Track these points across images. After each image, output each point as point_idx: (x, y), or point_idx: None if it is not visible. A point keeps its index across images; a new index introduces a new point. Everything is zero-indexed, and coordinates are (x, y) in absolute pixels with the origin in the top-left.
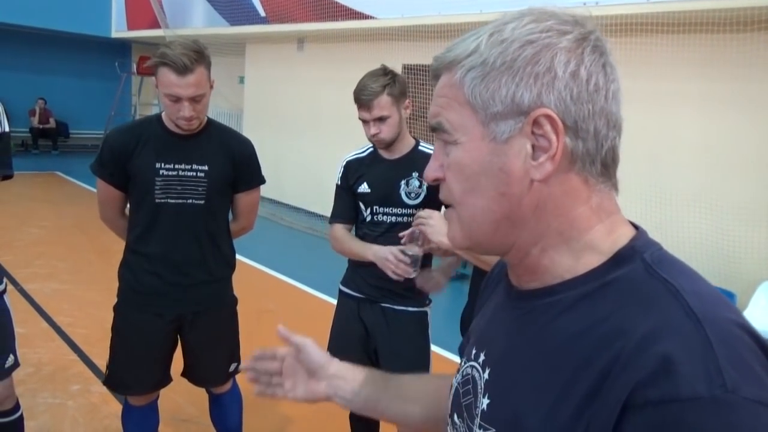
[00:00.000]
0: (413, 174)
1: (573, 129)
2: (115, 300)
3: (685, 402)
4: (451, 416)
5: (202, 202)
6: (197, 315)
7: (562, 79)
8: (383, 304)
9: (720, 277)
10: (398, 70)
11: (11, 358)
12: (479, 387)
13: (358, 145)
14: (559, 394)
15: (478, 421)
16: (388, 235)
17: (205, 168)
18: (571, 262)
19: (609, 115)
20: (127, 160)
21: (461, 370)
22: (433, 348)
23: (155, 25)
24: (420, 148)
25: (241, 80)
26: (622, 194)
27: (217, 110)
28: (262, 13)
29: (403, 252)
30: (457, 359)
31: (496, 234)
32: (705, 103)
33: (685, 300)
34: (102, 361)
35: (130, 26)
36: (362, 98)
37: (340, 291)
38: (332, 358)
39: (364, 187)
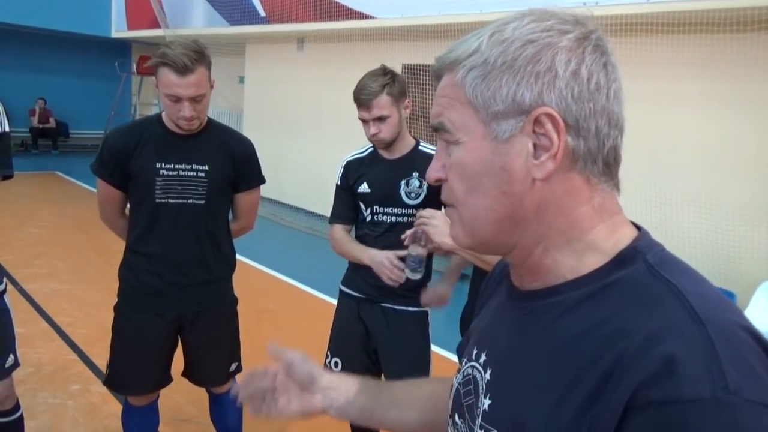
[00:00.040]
0: (413, 174)
1: (574, 128)
2: (115, 300)
3: (687, 403)
4: (452, 416)
5: (203, 202)
6: (197, 315)
7: (563, 78)
8: (383, 304)
9: (720, 277)
10: (398, 70)
11: (11, 358)
12: (480, 387)
13: (358, 145)
14: (561, 395)
15: (479, 421)
16: (388, 235)
17: (206, 168)
18: (573, 263)
19: (610, 114)
20: (128, 160)
21: (462, 371)
22: (433, 348)
23: (155, 25)
24: (420, 148)
25: (241, 80)
26: (622, 194)
27: (217, 110)
28: (262, 13)
29: (407, 254)
30: (457, 359)
31: (498, 233)
32: (705, 103)
33: (688, 301)
34: (102, 361)
35: (130, 26)
36: (362, 98)
37: (341, 291)
38: (323, 371)
39: (364, 187)
